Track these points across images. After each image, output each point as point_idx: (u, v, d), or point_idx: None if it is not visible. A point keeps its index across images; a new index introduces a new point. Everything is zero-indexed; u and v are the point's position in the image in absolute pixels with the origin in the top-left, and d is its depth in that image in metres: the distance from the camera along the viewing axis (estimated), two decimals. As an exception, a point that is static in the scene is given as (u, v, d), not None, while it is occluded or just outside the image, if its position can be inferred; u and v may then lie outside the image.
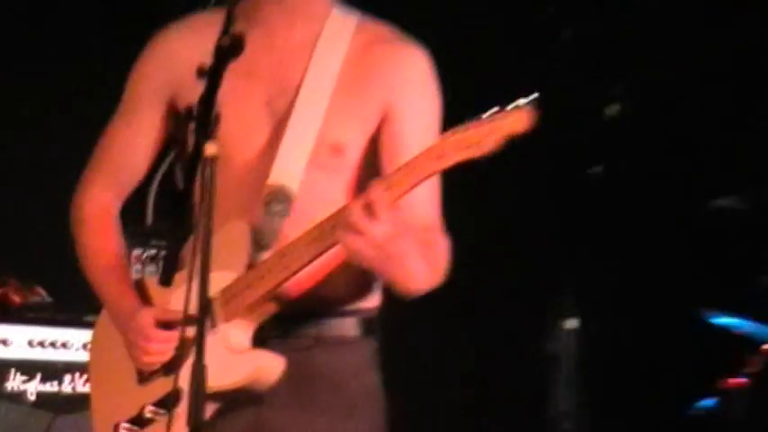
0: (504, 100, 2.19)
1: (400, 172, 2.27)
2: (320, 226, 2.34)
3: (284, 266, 2.38)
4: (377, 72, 2.54)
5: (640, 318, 4.77)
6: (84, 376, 3.80)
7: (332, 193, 2.50)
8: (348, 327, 2.56)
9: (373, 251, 2.24)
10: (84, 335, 3.58)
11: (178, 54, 2.60)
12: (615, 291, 4.70)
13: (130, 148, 2.67)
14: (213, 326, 2.41)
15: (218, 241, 2.25)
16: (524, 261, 4.74)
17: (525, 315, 4.73)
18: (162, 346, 2.40)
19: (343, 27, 2.59)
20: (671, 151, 4.93)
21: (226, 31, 2.13)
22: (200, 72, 2.10)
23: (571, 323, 4.51)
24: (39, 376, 3.78)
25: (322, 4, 2.54)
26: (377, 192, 2.21)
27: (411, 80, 2.54)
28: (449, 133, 2.29)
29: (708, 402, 4.23)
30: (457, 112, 2.38)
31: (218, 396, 2.40)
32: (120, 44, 3.19)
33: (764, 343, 4.09)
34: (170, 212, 3.34)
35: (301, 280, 2.44)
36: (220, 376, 2.33)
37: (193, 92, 2.26)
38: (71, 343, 3.84)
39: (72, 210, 2.66)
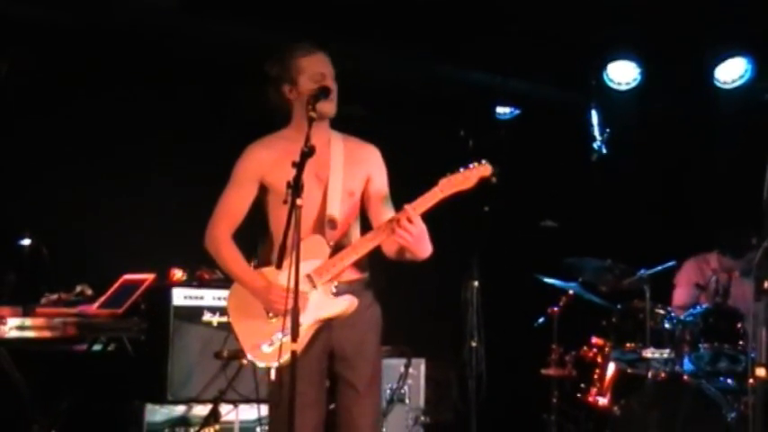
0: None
1: (422, 198, 3.54)
2: (375, 232, 3.62)
3: (355, 252, 3.66)
4: (362, 159, 3.83)
5: (509, 279, 6.72)
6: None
7: (351, 215, 3.79)
8: (363, 284, 3.82)
9: (412, 238, 3.52)
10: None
11: (261, 156, 3.75)
12: (496, 268, 6.18)
13: (238, 206, 3.76)
14: (314, 287, 3.64)
15: (307, 245, 3.55)
16: (455, 251, 5.65)
17: (453, 278, 6.02)
18: (284, 302, 3.46)
19: (338, 138, 3.82)
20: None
21: (306, 144, 3.40)
22: (294, 164, 3.37)
23: (475, 283, 5.94)
24: (218, 314, 5.36)
25: (327, 128, 3.78)
26: (410, 210, 3.52)
27: (377, 162, 3.87)
28: (447, 176, 3.53)
29: (541, 320, 6.28)
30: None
31: (320, 322, 3.64)
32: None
33: (569, 290, 6.16)
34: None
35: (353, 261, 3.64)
36: (323, 311, 3.66)
37: (272, 175, 3.59)
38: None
39: (209, 239, 3.75)
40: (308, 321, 3.58)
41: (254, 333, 3.67)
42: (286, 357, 3.41)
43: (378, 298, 3.84)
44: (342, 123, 3.91)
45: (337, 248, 3.70)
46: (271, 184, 3.68)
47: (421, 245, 3.59)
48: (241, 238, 3.82)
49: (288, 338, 3.38)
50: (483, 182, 3.57)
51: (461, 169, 3.55)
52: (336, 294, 3.68)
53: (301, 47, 3.77)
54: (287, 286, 3.38)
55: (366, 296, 3.79)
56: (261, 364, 3.65)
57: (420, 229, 3.53)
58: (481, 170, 3.58)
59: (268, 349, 3.61)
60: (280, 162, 3.52)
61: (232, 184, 3.76)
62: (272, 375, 3.58)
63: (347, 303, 3.67)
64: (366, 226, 3.86)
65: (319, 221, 3.68)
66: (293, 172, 3.42)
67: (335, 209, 3.70)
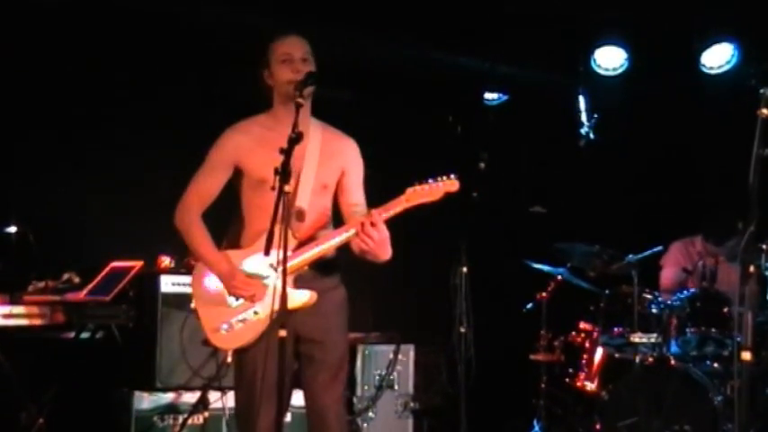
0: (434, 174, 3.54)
1: (387, 205, 3.57)
2: (342, 229, 3.65)
3: (318, 247, 3.67)
4: (338, 151, 3.84)
5: (497, 265, 6.84)
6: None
7: (322, 208, 3.81)
8: (328, 266, 3.81)
9: (373, 243, 3.55)
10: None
11: (238, 141, 3.77)
12: (485, 253, 6.17)
13: (210, 189, 3.80)
14: (279, 278, 3.46)
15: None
16: (443, 237, 6.00)
17: (442, 263, 6.02)
18: (247, 289, 3.63)
19: (317, 128, 3.83)
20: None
21: (294, 130, 3.38)
22: (281, 150, 3.33)
23: (464, 269, 5.90)
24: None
25: (308, 116, 3.76)
26: (375, 215, 3.53)
27: (353, 156, 3.91)
28: (414, 187, 3.59)
29: (530, 306, 6.42)
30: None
31: (287, 311, 3.47)
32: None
33: (557, 275, 6.26)
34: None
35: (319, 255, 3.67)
36: (290, 302, 3.52)
37: (247, 160, 3.64)
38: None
39: (179, 217, 3.79)
40: (266, 311, 3.56)
41: (216, 316, 3.70)
42: (242, 342, 3.53)
43: (343, 280, 3.84)
44: (328, 108, 3.90)
45: (306, 241, 3.70)
46: (245, 169, 3.70)
47: (381, 249, 3.58)
48: (210, 219, 3.82)
49: (245, 322, 3.53)
50: (448, 195, 3.61)
51: (430, 180, 3.58)
52: (297, 282, 3.67)
53: (278, 32, 3.78)
54: (250, 273, 3.50)
55: (330, 279, 3.81)
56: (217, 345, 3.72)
57: (383, 235, 3.54)
58: (449, 185, 3.61)
59: (225, 333, 3.66)
60: (255, 148, 3.58)
61: (206, 166, 3.79)
62: (229, 359, 3.66)
63: (306, 297, 3.67)
64: (337, 219, 3.86)
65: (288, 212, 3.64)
66: (268, 158, 3.42)
67: (305, 201, 3.71)
